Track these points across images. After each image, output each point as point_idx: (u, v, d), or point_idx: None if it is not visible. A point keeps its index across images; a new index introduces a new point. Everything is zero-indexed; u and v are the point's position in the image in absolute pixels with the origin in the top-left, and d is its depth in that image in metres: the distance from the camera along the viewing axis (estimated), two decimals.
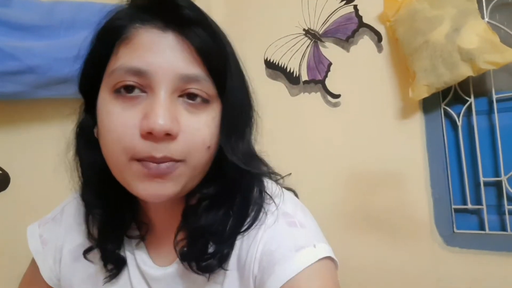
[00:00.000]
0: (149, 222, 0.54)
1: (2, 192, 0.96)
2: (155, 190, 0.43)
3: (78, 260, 0.55)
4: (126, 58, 0.42)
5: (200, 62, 0.43)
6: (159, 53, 0.42)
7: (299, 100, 1.21)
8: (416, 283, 1.02)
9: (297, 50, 1.22)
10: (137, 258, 0.54)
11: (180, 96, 0.43)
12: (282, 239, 0.46)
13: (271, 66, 1.24)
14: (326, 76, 1.17)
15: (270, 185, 0.53)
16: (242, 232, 0.48)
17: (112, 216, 0.51)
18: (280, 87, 1.24)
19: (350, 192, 1.12)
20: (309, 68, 1.20)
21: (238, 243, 0.49)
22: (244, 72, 0.50)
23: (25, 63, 0.81)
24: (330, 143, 1.16)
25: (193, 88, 0.43)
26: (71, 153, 0.50)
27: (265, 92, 1.23)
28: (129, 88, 0.42)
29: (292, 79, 1.22)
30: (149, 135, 0.41)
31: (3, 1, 0.84)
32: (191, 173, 0.45)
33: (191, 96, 0.43)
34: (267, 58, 1.24)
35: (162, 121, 0.40)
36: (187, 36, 0.43)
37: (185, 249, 0.48)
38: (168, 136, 0.41)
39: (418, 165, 1.04)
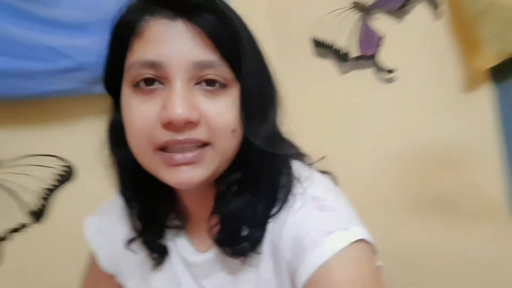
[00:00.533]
0: (186, 210, 0.56)
1: (67, 184, 1.03)
2: (183, 177, 0.43)
3: (127, 249, 0.58)
4: (139, 52, 0.43)
5: (213, 47, 0.43)
6: (169, 43, 0.42)
7: (350, 78, 1.15)
8: (490, 271, 0.94)
9: (345, 25, 1.15)
10: (178, 246, 0.57)
11: (197, 83, 0.44)
12: (312, 224, 0.46)
13: (318, 44, 1.18)
14: (378, 50, 1.10)
15: (299, 168, 0.52)
16: (272, 215, 0.48)
17: (149, 208, 0.54)
18: (328, 65, 1.19)
19: (411, 174, 1.05)
20: (359, 43, 1.13)
21: (270, 227, 0.49)
22: (262, 54, 0.49)
23: (76, 60, 0.85)
24: (385, 122, 1.10)
25: (209, 74, 0.43)
26: (106, 150, 0.53)
27: (313, 71, 1.20)
28: (148, 81, 0.43)
29: (341, 56, 1.16)
30: (170, 125, 0.41)
31: (52, 2, 0.87)
32: (220, 158, 0.45)
33: (209, 82, 0.43)
34: (313, 36, 1.19)
35: (180, 110, 0.40)
36: (197, 23, 0.42)
37: (219, 234, 0.49)
38: (190, 123, 0.42)
39: (489, 141, 0.94)
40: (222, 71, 0.43)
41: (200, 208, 0.53)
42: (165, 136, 0.42)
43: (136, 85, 0.44)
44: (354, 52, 1.14)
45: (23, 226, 1.01)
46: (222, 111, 0.43)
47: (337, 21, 1.16)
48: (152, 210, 0.54)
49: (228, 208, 0.48)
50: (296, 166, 0.52)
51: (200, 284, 0.55)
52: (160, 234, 0.56)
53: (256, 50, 0.49)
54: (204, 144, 0.44)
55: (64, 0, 0.87)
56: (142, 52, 0.43)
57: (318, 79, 1.18)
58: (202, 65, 0.43)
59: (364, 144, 1.12)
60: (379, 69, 1.10)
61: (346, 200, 0.51)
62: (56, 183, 1.02)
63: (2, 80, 0.82)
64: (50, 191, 1.02)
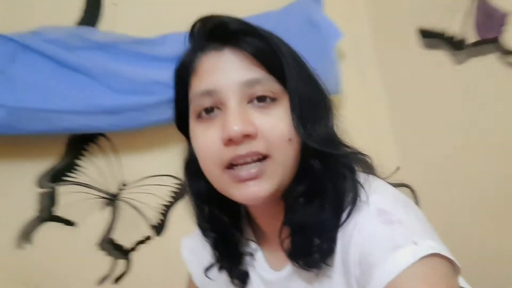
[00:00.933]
0: (259, 229, 0.59)
1: (181, 200, 1.11)
2: (250, 192, 0.47)
3: (207, 276, 0.63)
4: (197, 86, 0.49)
5: (258, 65, 0.48)
6: (219, 71, 0.48)
7: (467, 68, 1.02)
8: None
9: (457, 8, 1.02)
10: (256, 266, 0.60)
11: (250, 102, 0.48)
12: (377, 238, 0.44)
13: (428, 35, 1.08)
14: (502, 31, 0.95)
15: (364, 178, 0.51)
16: (340, 226, 0.48)
17: (223, 237, 0.58)
18: (440, 56, 1.07)
19: None
20: (476, 26, 0.99)
21: (338, 239, 0.49)
22: (305, 63, 0.53)
23: None
24: None
25: (259, 90, 0.47)
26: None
27: (422, 65, 1.09)
28: (208, 110, 0.48)
29: (455, 44, 1.03)
30: (230, 142, 0.46)
31: (158, 40, 0.98)
32: (282, 170, 0.48)
33: (260, 98, 0.48)
34: (421, 26, 1.08)
35: (236, 126, 0.45)
36: (241, 46, 0.48)
37: (291, 246, 0.51)
38: (247, 137, 0.46)
39: None
40: (270, 85, 0.48)
41: (272, 223, 0.55)
42: (228, 153, 0.46)
43: (199, 116, 0.49)
44: (471, 37, 1.00)
45: (147, 238, 1.12)
46: (276, 123, 0.47)
47: (447, 5, 1.03)
48: (226, 238, 0.58)
49: (297, 219, 0.50)
50: (362, 176, 0.52)
51: None
52: (237, 261, 0.60)
53: (298, 61, 0.52)
54: (264, 157, 0.47)
55: (167, 38, 0.97)
56: (198, 85, 0.49)
57: (429, 72, 1.08)
58: (251, 83, 0.47)
59: (492, 142, 0.99)
60: (506, 52, 0.95)
61: (418, 213, 0.48)
62: (172, 200, 1.11)
63: (123, 114, 0.94)
64: (167, 207, 1.11)
